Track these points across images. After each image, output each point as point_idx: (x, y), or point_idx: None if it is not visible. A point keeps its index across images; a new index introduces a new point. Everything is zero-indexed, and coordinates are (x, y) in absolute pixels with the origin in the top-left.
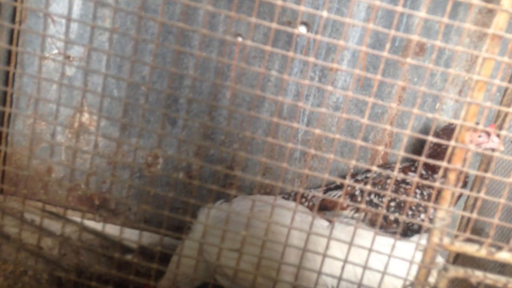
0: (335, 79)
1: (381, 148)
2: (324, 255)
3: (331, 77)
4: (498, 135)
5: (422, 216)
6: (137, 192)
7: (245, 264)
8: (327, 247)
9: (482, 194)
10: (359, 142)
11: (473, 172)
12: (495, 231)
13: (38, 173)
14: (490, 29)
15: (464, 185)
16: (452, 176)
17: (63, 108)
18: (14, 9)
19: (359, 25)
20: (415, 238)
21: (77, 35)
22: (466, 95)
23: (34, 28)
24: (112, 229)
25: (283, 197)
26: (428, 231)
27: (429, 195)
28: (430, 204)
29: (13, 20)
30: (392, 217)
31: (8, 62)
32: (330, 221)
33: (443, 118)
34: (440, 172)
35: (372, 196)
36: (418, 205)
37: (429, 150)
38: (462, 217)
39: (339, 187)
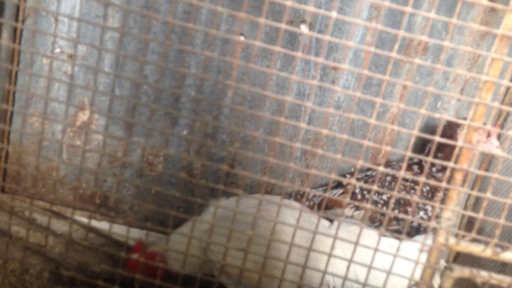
0: (336, 78)
1: (388, 148)
2: (330, 254)
3: (334, 76)
4: (499, 135)
5: (421, 213)
6: (137, 191)
7: (248, 262)
8: (332, 247)
9: (488, 194)
10: (366, 143)
11: (480, 172)
12: (495, 230)
13: (40, 172)
14: (499, 30)
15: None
16: (459, 176)
17: (64, 106)
18: (17, 8)
19: (362, 24)
20: (417, 238)
21: (77, 33)
22: (468, 94)
23: (36, 27)
24: (115, 228)
25: (284, 197)
26: (426, 228)
27: (428, 192)
28: (437, 204)
29: (16, 19)
30: (392, 214)
31: (9, 61)
32: (329, 220)
33: (451, 118)
34: (447, 173)
35: (372, 193)
36: (417, 203)
37: (428, 146)
38: (463, 216)
39: (339, 185)
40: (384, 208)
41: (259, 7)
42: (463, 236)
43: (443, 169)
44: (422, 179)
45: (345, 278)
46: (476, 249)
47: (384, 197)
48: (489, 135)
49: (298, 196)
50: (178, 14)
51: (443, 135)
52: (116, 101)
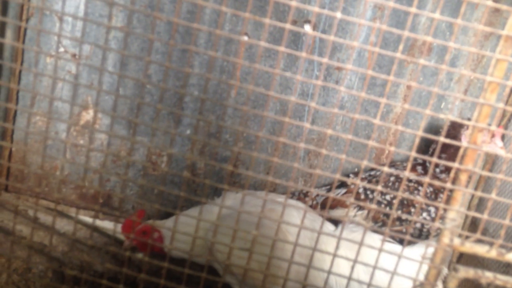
0: (340, 78)
1: (392, 148)
2: (334, 255)
3: (337, 76)
4: (503, 136)
5: (424, 214)
6: (141, 190)
7: (252, 262)
8: (337, 247)
9: (493, 195)
10: (370, 143)
11: (484, 173)
12: (498, 231)
13: (43, 171)
14: (504, 31)
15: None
16: (463, 177)
17: (68, 106)
18: (22, 7)
19: (366, 24)
20: (419, 245)
21: (82, 33)
22: (472, 94)
23: (40, 26)
24: (118, 228)
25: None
26: (429, 230)
27: (431, 194)
28: (442, 205)
29: (20, 18)
30: (395, 215)
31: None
32: (333, 222)
33: (455, 118)
34: (452, 173)
35: (375, 193)
36: (421, 204)
37: (432, 147)
38: (466, 217)
39: (342, 185)
40: (387, 208)
41: (263, 7)
42: (467, 237)
43: (447, 170)
44: (426, 179)
45: (342, 276)
46: (481, 250)
47: (388, 197)
48: (493, 135)
49: (301, 196)
50: (182, 14)
51: (446, 135)
52: (119, 101)
